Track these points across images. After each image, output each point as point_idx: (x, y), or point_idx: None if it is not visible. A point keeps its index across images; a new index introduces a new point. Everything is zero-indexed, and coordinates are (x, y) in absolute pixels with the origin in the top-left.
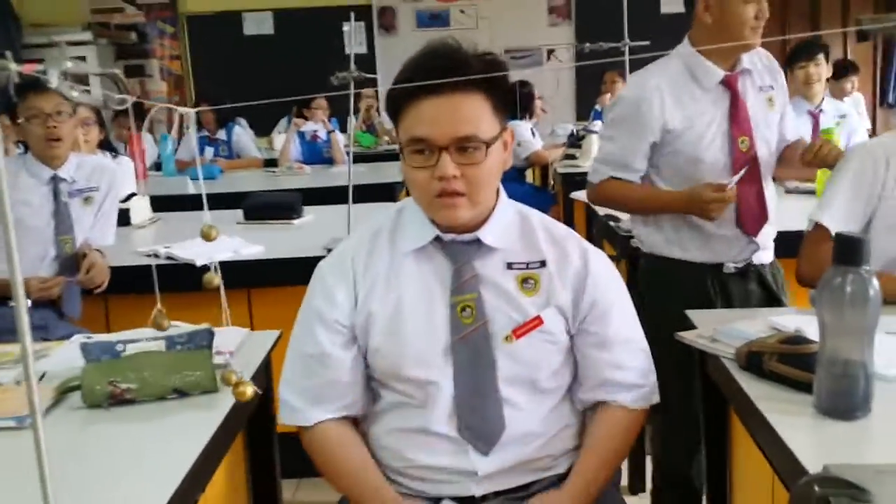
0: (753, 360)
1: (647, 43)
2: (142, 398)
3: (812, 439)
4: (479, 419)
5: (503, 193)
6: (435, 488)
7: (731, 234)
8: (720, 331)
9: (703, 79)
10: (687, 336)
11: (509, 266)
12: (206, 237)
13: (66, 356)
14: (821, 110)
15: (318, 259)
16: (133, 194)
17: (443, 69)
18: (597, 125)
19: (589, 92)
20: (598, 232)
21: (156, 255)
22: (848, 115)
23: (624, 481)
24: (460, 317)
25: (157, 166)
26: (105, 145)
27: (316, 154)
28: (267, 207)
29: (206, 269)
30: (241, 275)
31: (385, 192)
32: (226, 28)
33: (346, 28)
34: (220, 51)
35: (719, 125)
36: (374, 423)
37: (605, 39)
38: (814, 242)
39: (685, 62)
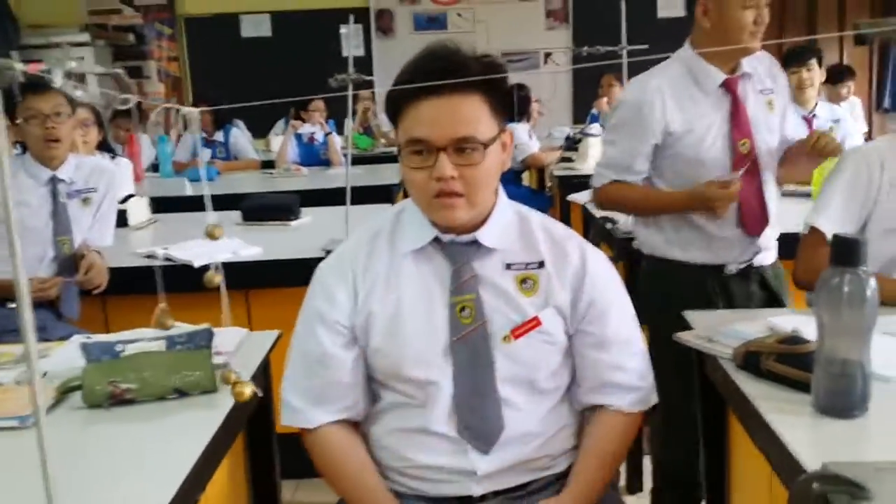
0: (751, 359)
1: (645, 46)
2: (142, 398)
3: (810, 438)
4: (478, 419)
5: (502, 194)
6: (434, 488)
7: (733, 236)
8: (718, 331)
9: (704, 82)
10: (685, 336)
11: (508, 266)
12: (211, 236)
13: (65, 356)
14: (814, 115)
15: (316, 260)
16: (131, 195)
17: (442, 71)
18: (594, 128)
19: (586, 95)
20: (595, 234)
21: (154, 257)
22: (842, 120)
23: (622, 481)
24: (459, 317)
25: (154, 167)
26: (103, 146)
27: (313, 156)
28: (265, 209)
29: (204, 269)
30: (240, 276)
31: (382, 194)
32: (223, 30)
33: (343, 30)
34: (217, 53)
35: (720, 128)
36: (375, 424)
37: (602, 43)
38: (810, 246)
39: (686, 65)
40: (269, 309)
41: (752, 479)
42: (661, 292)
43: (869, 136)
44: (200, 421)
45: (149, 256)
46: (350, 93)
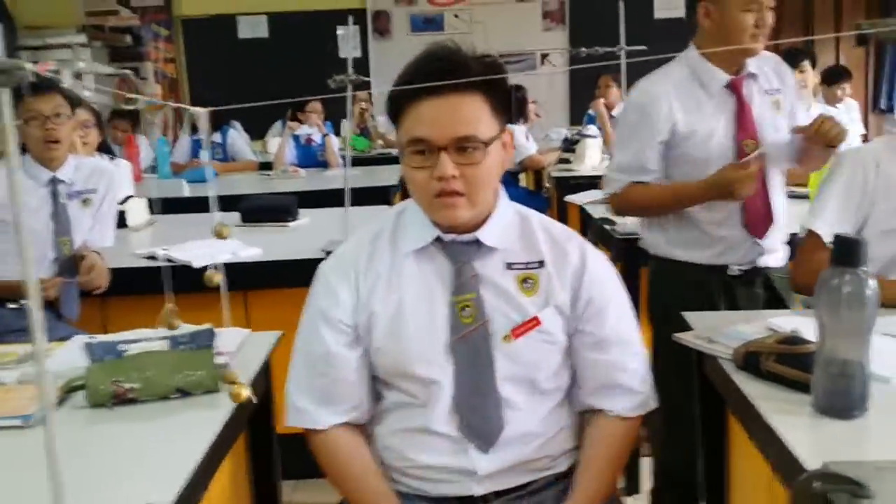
0: (751, 360)
1: (643, 48)
2: (145, 398)
3: (810, 438)
4: (478, 418)
5: (503, 194)
6: (436, 488)
7: (736, 236)
8: (717, 332)
9: (708, 83)
10: (684, 337)
11: (509, 266)
12: (220, 235)
13: (67, 357)
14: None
15: (315, 261)
16: (130, 196)
17: (443, 71)
18: (591, 129)
19: (583, 97)
20: (593, 235)
21: (154, 258)
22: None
23: (620, 483)
24: (460, 316)
25: (152, 169)
26: (102, 148)
27: (310, 157)
28: (263, 210)
29: (203, 270)
30: (239, 276)
31: (379, 195)
32: (220, 31)
33: (340, 32)
34: (214, 54)
35: (725, 129)
36: (377, 424)
37: (599, 44)
38: (808, 250)
39: (690, 67)
40: (267, 310)
41: (751, 480)
42: (664, 292)
43: (866, 138)
44: (203, 420)
45: (149, 257)
46: (349, 94)
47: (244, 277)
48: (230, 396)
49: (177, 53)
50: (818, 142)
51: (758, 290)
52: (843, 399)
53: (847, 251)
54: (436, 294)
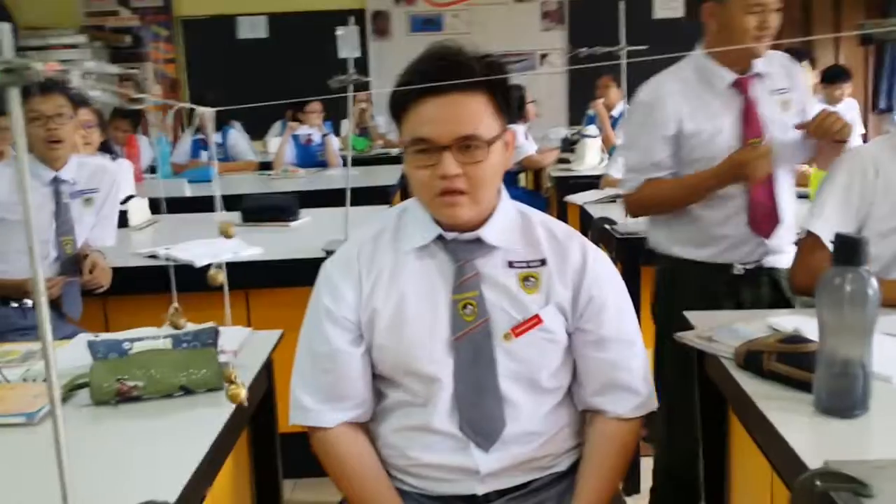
0: (752, 359)
1: (645, 47)
2: (149, 395)
3: (811, 437)
4: (479, 416)
5: (505, 193)
6: (438, 487)
7: (740, 234)
8: (719, 331)
9: (714, 82)
10: (685, 336)
11: (510, 264)
12: (225, 234)
13: (70, 355)
14: None
15: (315, 261)
16: (131, 196)
17: (445, 70)
18: (590, 130)
19: (581, 97)
20: (593, 235)
21: (156, 257)
22: None
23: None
24: (462, 314)
25: (152, 169)
26: (104, 148)
27: (310, 157)
28: (264, 210)
29: (206, 269)
30: (240, 276)
31: (379, 195)
32: (220, 32)
33: (339, 32)
34: (214, 54)
35: (731, 128)
36: (379, 423)
37: (598, 44)
38: (807, 251)
39: (696, 67)
40: (268, 309)
41: (752, 479)
42: (668, 291)
43: (865, 138)
44: (207, 418)
45: (151, 257)
46: (350, 94)
47: (245, 277)
48: (227, 397)
49: (177, 54)
50: (821, 137)
51: (763, 290)
52: (845, 398)
53: (848, 250)
54: (437, 292)
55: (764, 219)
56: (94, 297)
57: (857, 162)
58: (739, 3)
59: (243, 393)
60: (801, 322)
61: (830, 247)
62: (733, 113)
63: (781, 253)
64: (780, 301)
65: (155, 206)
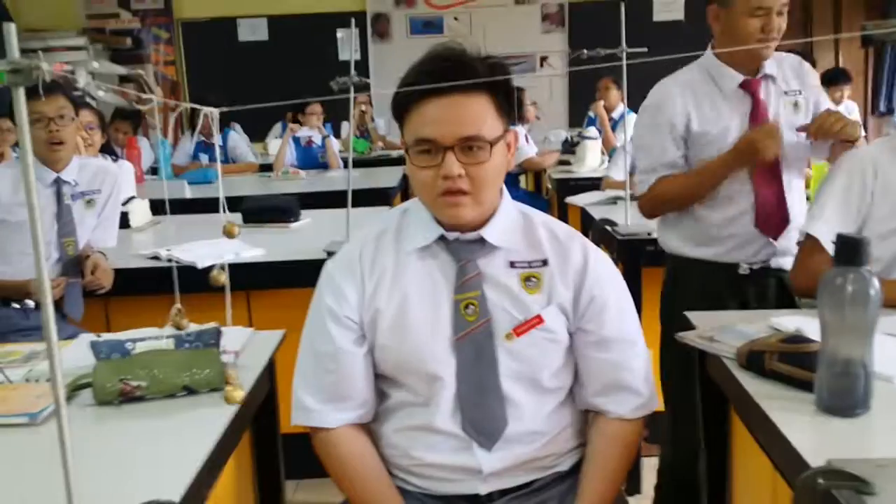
0: (754, 359)
1: (645, 49)
2: (151, 395)
3: (813, 436)
4: (481, 415)
5: (506, 194)
6: (441, 486)
7: (745, 234)
8: (720, 331)
9: (723, 83)
10: (687, 336)
11: (512, 265)
12: (230, 234)
13: (72, 355)
14: None
15: (316, 262)
16: (133, 197)
17: (449, 71)
18: (591, 131)
19: (582, 99)
20: (594, 237)
21: (157, 258)
22: None
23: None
24: (464, 314)
25: (153, 171)
26: (105, 149)
27: (311, 159)
28: (265, 211)
29: (208, 270)
30: (241, 277)
31: (380, 197)
32: (220, 34)
33: (340, 34)
34: (214, 56)
35: (739, 128)
36: (381, 423)
37: (598, 46)
38: (807, 253)
39: (706, 67)
40: (270, 310)
41: (754, 478)
42: (676, 289)
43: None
44: (209, 418)
45: (152, 258)
46: (352, 95)
47: (246, 278)
48: (224, 398)
49: (177, 56)
50: (823, 138)
51: (770, 291)
52: (847, 397)
53: (850, 250)
54: (439, 292)
55: (772, 220)
56: (96, 298)
57: (855, 164)
58: (742, 7)
59: (240, 394)
60: (802, 322)
61: (830, 249)
62: (741, 114)
63: (790, 254)
64: (786, 302)
65: (156, 207)
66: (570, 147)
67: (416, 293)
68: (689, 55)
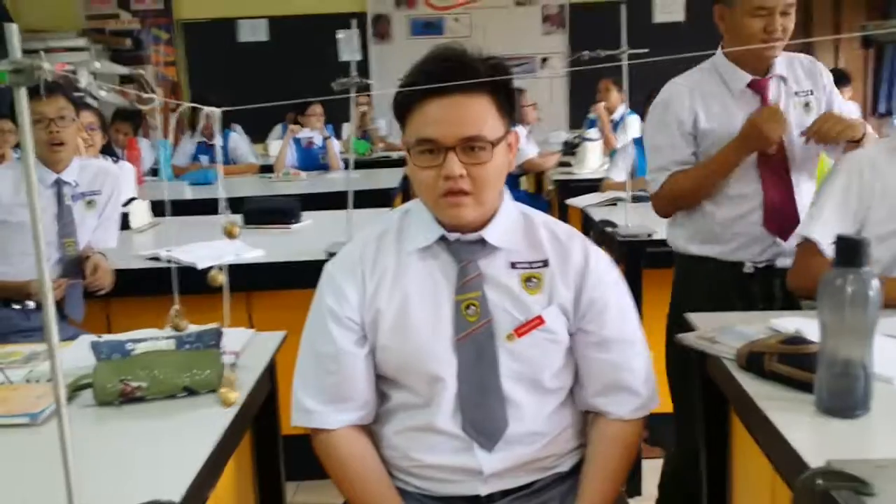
0: (754, 360)
1: (646, 50)
2: (152, 396)
3: (813, 437)
4: (482, 416)
5: (507, 194)
6: (442, 487)
7: (751, 233)
8: (720, 332)
9: (731, 83)
10: (687, 338)
11: (513, 265)
12: (230, 234)
13: (73, 356)
14: None
15: (317, 263)
16: (133, 198)
17: (450, 71)
18: (591, 133)
19: (583, 100)
20: (595, 238)
21: (158, 259)
22: None
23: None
24: (465, 314)
25: (153, 172)
26: (106, 150)
27: (312, 160)
28: (266, 212)
29: (207, 272)
30: (242, 278)
31: (381, 198)
32: (221, 35)
33: (340, 35)
34: (215, 57)
35: None
36: (382, 424)
37: (599, 48)
38: (804, 255)
39: (715, 67)
40: (270, 311)
41: (754, 479)
42: (682, 288)
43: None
44: (209, 419)
45: (153, 258)
46: (353, 95)
47: (247, 279)
48: (219, 400)
49: (177, 57)
50: (822, 141)
51: (776, 290)
52: (846, 398)
53: (850, 251)
54: (440, 292)
55: (781, 220)
56: (97, 299)
57: (853, 166)
58: (744, 7)
59: (234, 396)
60: (802, 323)
61: (828, 251)
62: (749, 114)
63: None
64: (792, 302)
65: (156, 208)
66: (570, 148)
67: (417, 294)
68: (690, 56)
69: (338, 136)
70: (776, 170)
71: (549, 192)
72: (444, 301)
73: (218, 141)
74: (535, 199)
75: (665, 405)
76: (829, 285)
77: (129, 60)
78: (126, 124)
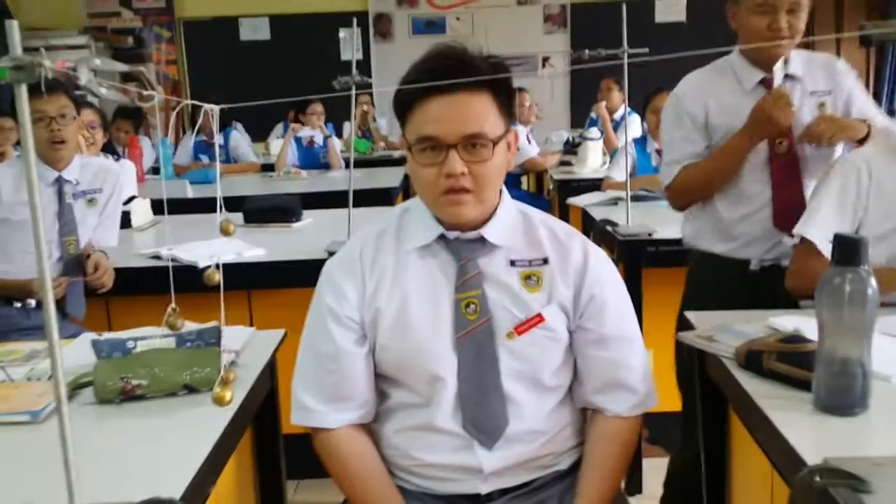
0: (753, 358)
1: (646, 50)
2: (152, 394)
3: (811, 434)
4: (482, 414)
5: (506, 193)
6: (442, 486)
7: (757, 232)
8: (719, 330)
9: (744, 80)
10: (686, 336)
11: (512, 263)
12: (225, 232)
13: (73, 354)
14: None
15: (318, 262)
16: (134, 197)
17: (451, 69)
18: (592, 132)
19: (584, 100)
20: (595, 237)
21: (158, 257)
22: None
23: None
24: (464, 313)
25: (154, 170)
26: (107, 148)
27: (312, 159)
28: (267, 211)
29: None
30: (243, 277)
31: (382, 197)
32: (222, 33)
33: (342, 34)
34: (216, 56)
35: None
36: (382, 423)
37: (600, 47)
38: (802, 256)
39: (731, 63)
40: (270, 310)
41: (753, 477)
42: (690, 286)
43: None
44: (210, 417)
45: (154, 257)
46: (353, 93)
47: (248, 277)
48: (213, 400)
49: (179, 55)
50: (814, 143)
51: (780, 289)
52: (844, 396)
53: (848, 250)
54: (440, 291)
55: (791, 220)
56: (97, 298)
57: (850, 166)
58: (748, 4)
59: (228, 395)
60: (800, 322)
61: (825, 251)
62: None
63: None
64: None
65: (157, 206)
66: (571, 148)
67: (416, 292)
68: (691, 56)
69: (339, 134)
70: (787, 169)
71: (549, 192)
72: (443, 299)
73: (217, 139)
74: (535, 198)
75: (665, 404)
76: (827, 284)
77: (130, 59)
78: (127, 122)
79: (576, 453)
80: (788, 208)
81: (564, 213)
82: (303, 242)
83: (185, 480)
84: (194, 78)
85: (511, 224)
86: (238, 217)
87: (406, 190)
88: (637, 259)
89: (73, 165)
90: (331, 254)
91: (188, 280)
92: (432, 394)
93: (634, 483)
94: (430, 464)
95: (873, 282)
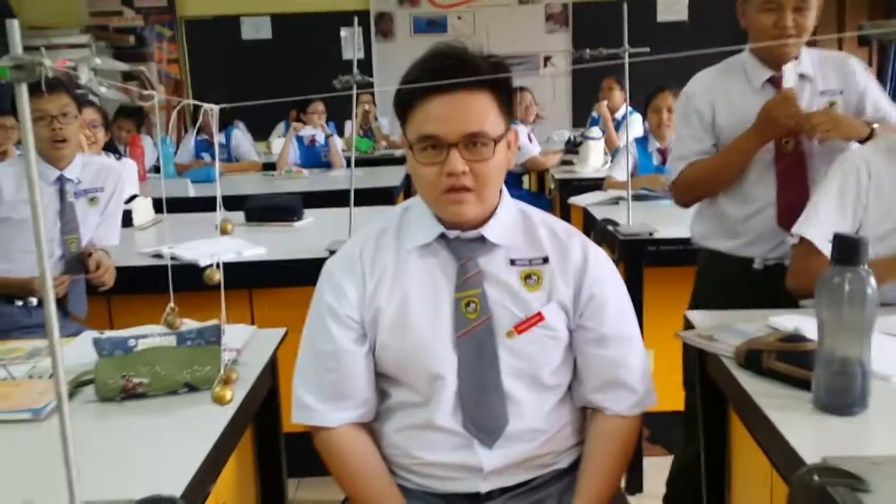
0: (752, 357)
1: (647, 49)
2: (153, 392)
3: (810, 434)
4: (482, 413)
5: (506, 192)
6: (442, 485)
7: (761, 230)
8: (719, 330)
9: (753, 78)
10: (686, 335)
11: (512, 262)
12: (223, 231)
13: (75, 352)
14: None
15: (319, 261)
16: (135, 195)
17: (452, 69)
18: (594, 132)
19: (585, 99)
20: (596, 236)
21: (160, 256)
22: None
23: (622, 482)
24: (464, 312)
25: (156, 169)
26: (109, 147)
27: (314, 158)
28: (268, 210)
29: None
30: (244, 275)
31: (383, 196)
32: (224, 32)
33: (343, 33)
34: (218, 55)
35: None
36: (382, 422)
37: (602, 47)
38: (801, 256)
39: (741, 61)
40: (272, 308)
41: (752, 476)
42: (698, 284)
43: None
44: (211, 415)
45: (155, 256)
46: (354, 92)
47: (249, 276)
48: (213, 399)
49: (180, 54)
50: (808, 133)
51: (783, 288)
52: (844, 396)
53: (847, 250)
54: (440, 290)
55: (796, 217)
56: (99, 296)
57: (849, 166)
58: (756, 2)
59: (228, 395)
60: (800, 321)
61: (824, 251)
62: None
63: None
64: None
65: (159, 205)
66: (573, 147)
67: (416, 291)
68: (692, 55)
69: (340, 133)
70: (793, 169)
71: (551, 191)
72: (443, 299)
73: (217, 138)
74: (537, 197)
75: (665, 404)
76: (827, 284)
77: (132, 58)
78: (129, 121)
79: (575, 452)
80: (793, 208)
81: (566, 213)
82: (304, 241)
83: (186, 478)
84: (196, 77)
85: (511, 223)
86: (239, 216)
87: (407, 189)
88: (638, 258)
89: (75, 164)
90: (332, 253)
91: (189, 279)
92: (432, 393)
93: (635, 482)
94: (430, 462)
95: (873, 281)
